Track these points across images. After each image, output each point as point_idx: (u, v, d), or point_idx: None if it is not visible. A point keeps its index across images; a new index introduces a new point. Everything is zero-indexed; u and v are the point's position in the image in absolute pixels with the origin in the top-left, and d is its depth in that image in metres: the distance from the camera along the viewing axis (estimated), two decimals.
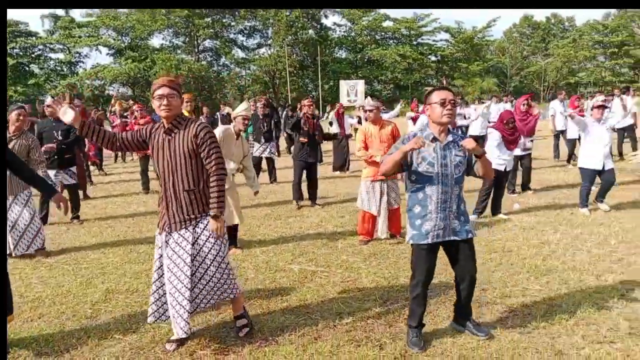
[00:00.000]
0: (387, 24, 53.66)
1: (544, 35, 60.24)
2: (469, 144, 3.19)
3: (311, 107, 8.07)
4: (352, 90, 36.36)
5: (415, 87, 52.30)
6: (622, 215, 7.08)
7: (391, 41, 54.74)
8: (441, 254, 3.53)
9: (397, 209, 6.07)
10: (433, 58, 55.92)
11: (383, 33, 54.70)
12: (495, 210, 7.28)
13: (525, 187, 9.02)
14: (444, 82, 19.77)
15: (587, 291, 4.41)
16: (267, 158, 10.24)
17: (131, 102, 16.57)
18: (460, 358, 3.35)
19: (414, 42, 54.35)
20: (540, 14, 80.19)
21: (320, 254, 5.59)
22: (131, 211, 8.20)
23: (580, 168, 7.46)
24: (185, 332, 3.36)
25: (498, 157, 7.09)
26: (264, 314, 4.07)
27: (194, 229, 3.37)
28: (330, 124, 18.18)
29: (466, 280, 3.47)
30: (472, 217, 7.05)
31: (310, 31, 50.38)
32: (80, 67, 49.20)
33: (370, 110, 6.02)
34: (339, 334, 3.69)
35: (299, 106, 13.89)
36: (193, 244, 3.36)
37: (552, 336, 3.62)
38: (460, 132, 3.56)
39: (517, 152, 8.70)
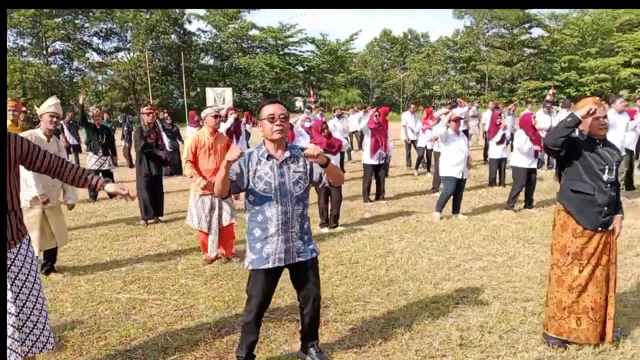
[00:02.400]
0: (253, 32, 53.57)
1: (402, 49, 64.13)
2: (312, 151, 2.93)
3: (150, 115, 7.41)
4: (219, 98, 35.59)
5: (284, 97, 52.74)
6: (462, 221, 7.46)
7: (258, 50, 54.72)
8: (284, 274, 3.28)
9: (231, 225, 5.66)
10: (300, 68, 56.87)
11: (250, 41, 54.50)
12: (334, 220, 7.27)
13: (379, 196, 9.21)
14: (311, 92, 19.91)
15: (425, 301, 4.44)
16: (105, 171, 9.36)
17: None
18: None
19: (281, 52, 54.86)
20: (398, 30, 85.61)
21: (156, 279, 5.07)
22: None
23: (442, 176, 7.73)
24: None
25: None
26: (75, 357, 3.50)
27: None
28: None
29: (310, 303, 3.26)
30: (322, 230, 6.98)
31: (173, 36, 48.53)
32: None
33: (217, 116, 5.63)
34: None
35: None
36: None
37: (387, 353, 3.53)
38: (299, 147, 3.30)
39: (374, 162, 8.89)
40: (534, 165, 8.01)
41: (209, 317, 4.14)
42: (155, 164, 7.31)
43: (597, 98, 3.55)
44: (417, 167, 12.42)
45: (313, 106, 14.89)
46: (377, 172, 9.13)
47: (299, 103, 17.65)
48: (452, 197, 7.68)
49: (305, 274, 3.22)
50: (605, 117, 3.45)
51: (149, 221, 7.42)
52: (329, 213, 7.18)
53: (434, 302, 4.41)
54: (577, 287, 3.48)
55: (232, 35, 51.93)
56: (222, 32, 51.78)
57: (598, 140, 3.49)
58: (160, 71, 46.75)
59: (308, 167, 3.17)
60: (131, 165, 14.81)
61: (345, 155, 14.56)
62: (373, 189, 9.21)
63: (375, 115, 9.27)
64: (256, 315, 3.16)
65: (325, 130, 7.30)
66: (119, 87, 46.64)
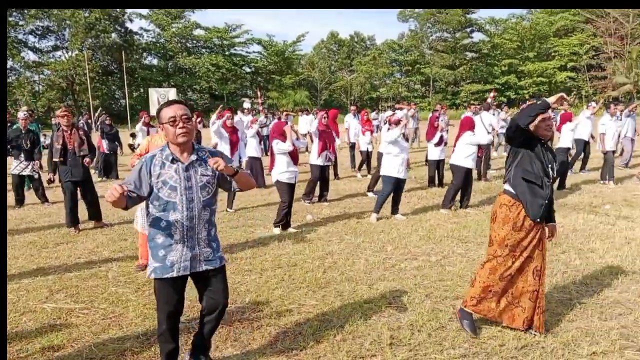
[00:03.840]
0: (198, 32, 52.73)
1: (349, 52, 64.81)
2: (218, 165, 2.82)
3: (66, 118, 6.99)
4: (162, 99, 34.90)
5: (231, 98, 52.24)
6: (401, 221, 7.59)
7: (203, 50, 53.90)
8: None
9: None
10: (247, 69, 56.49)
11: (195, 41, 53.62)
12: (285, 225, 7.22)
13: (321, 197, 9.25)
14: (258, 93, 19.77)
15: (359, 302, 4.49)
16: (29, 176, 8.95)
17: None
18: None
19: (227, 53, 54.25)
20: (344, 32, 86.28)
21: (85, 288, 4.89)
22: None
23: (383, 176, 7.82)
24: None
25: (288, 171, 7.01)
26: None
27: None
28: (133, 135, 17.13)
29: (216, 311, 3.12)
30: (275, 231, 6.92)
31: (114, 35, 47.06)
32: None
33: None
34: None
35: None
36: None
37: (318, 356, 3.54)
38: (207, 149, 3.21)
39: (320, 162, 8.94)
40: (473, 165, 8.27)
41: (138, 326, 4.03)
42: (77, 169, 6.98)
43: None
44: (359, 170, 12.57)
45: (260, 108, 14.80)
46: (323, 174, 9.19)
47: (246, 104, 17.51)
48: (392, 198, 7.81)
49: (212, 282, 3.08)
50: (549, 118, 3.68)
51: (79, 227, 7.16)
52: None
53: (368, 303, 4.47)
54: (507, 277, 3.72)
55: (176, 34, 50.93)
56: (165, 32, 50.69)
57: (543, 141, 3.72)
58: (100, 71, 45.27)
59: (217, 172, 3.03)
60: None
61: None
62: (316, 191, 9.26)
63: (324, 118, 9.34)
64: (169, 327, 3.03)
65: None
66: (57, 87, 44.79)
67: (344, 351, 3.59)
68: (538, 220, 3.65)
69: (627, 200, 8.91)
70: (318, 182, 9.13)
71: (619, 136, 12.66)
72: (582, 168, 12.28)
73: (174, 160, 2.92)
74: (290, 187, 7.00)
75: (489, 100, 14.91)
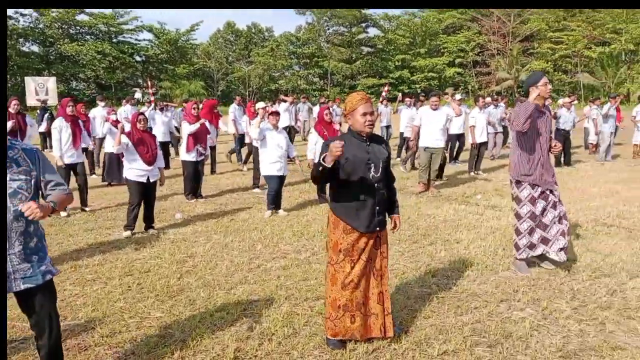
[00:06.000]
0: (82, 17, 48.93)
1: (247, 43, 63.67)
2: (34, 215, 2.36)
3: None
4: (41, 89, 32.10)
5: (120, 87, 49.41)
6: (279, 217, 7.28)
7: (88, 37, 50.17)
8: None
9: None
10: (138, 58, 53.49)
11: (78, 27, 49.76)
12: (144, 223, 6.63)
13: (196, 194, 8.70)
14: (149, 83, 18.60)
15: (211, 311, 4.08)
16: None
17: None
18: None
19: (114, 40, 50.97)
20: (241, 22, 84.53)
21: None
22: None
23: (264, 175, 7.51)
24: None
25: (134, 168, 6.40)
26: None
27: None
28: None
29: (45, 335, 2.71)
30: (124, 234, 6.30)
31: None
32: None
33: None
34: None
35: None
36: None
37: None
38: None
39: (191, 158, 8.40)
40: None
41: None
42: None
43: (364, 93, 3.41)
44: (245, 162, 12.13)
45: (152, 98, 13.88)
46: (196, 169, 8.64)
47: (138, 94, 16.39)
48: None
49: (36, 301, 2.65)
50: (371, 114, 3.32)
51: None
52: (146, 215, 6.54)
53: (220, 311, 4.07)
54: (349, 284, 3.34)
55: (57, 19, 46.82)
56: (44, 17, 46.44)
57: (365, 138, 3.35)
58: None
59: (34, 175, 2.57)
60: None
61: (172, 150, 13.80)
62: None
63: (194, 108, 8.77)
64: None
65: (142, 123, 6.52)
66: None
67: None
68: (377, 229, 3.34)
69: (498, 190, 9.27)
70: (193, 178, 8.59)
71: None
72: (455, 159, 12.68)
73: None
74: (140, 186, 6.38)
75: (383, 94, 15.14)
